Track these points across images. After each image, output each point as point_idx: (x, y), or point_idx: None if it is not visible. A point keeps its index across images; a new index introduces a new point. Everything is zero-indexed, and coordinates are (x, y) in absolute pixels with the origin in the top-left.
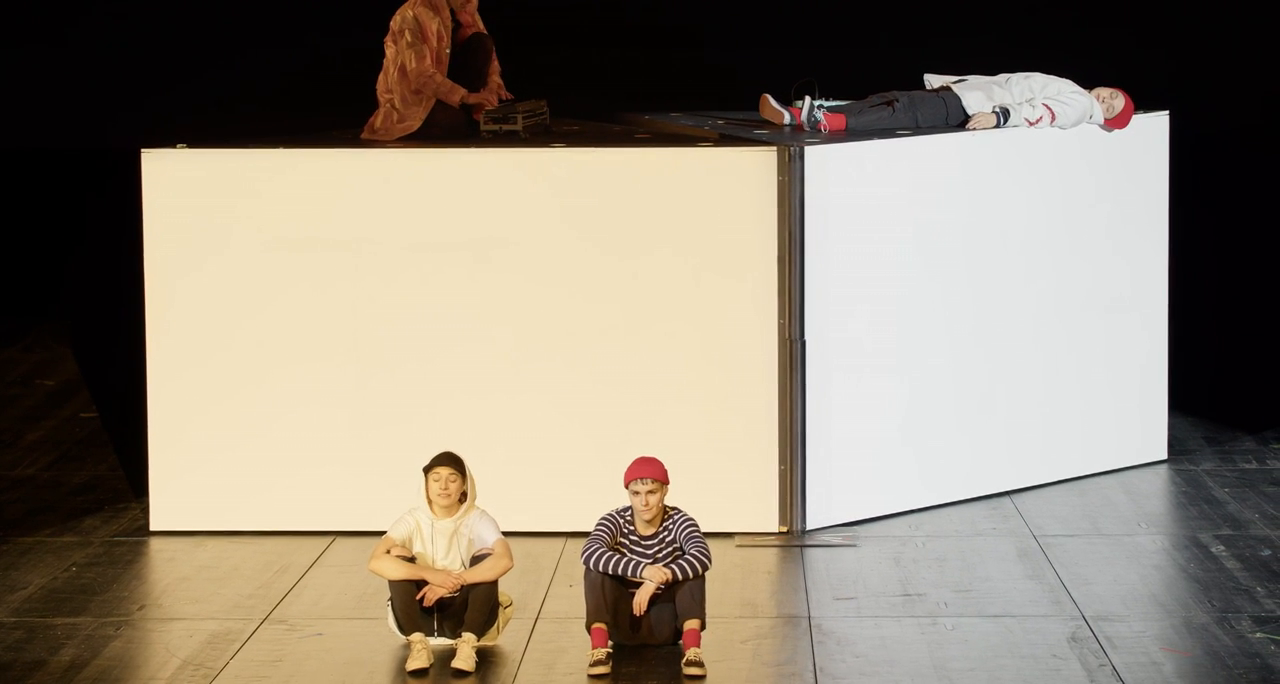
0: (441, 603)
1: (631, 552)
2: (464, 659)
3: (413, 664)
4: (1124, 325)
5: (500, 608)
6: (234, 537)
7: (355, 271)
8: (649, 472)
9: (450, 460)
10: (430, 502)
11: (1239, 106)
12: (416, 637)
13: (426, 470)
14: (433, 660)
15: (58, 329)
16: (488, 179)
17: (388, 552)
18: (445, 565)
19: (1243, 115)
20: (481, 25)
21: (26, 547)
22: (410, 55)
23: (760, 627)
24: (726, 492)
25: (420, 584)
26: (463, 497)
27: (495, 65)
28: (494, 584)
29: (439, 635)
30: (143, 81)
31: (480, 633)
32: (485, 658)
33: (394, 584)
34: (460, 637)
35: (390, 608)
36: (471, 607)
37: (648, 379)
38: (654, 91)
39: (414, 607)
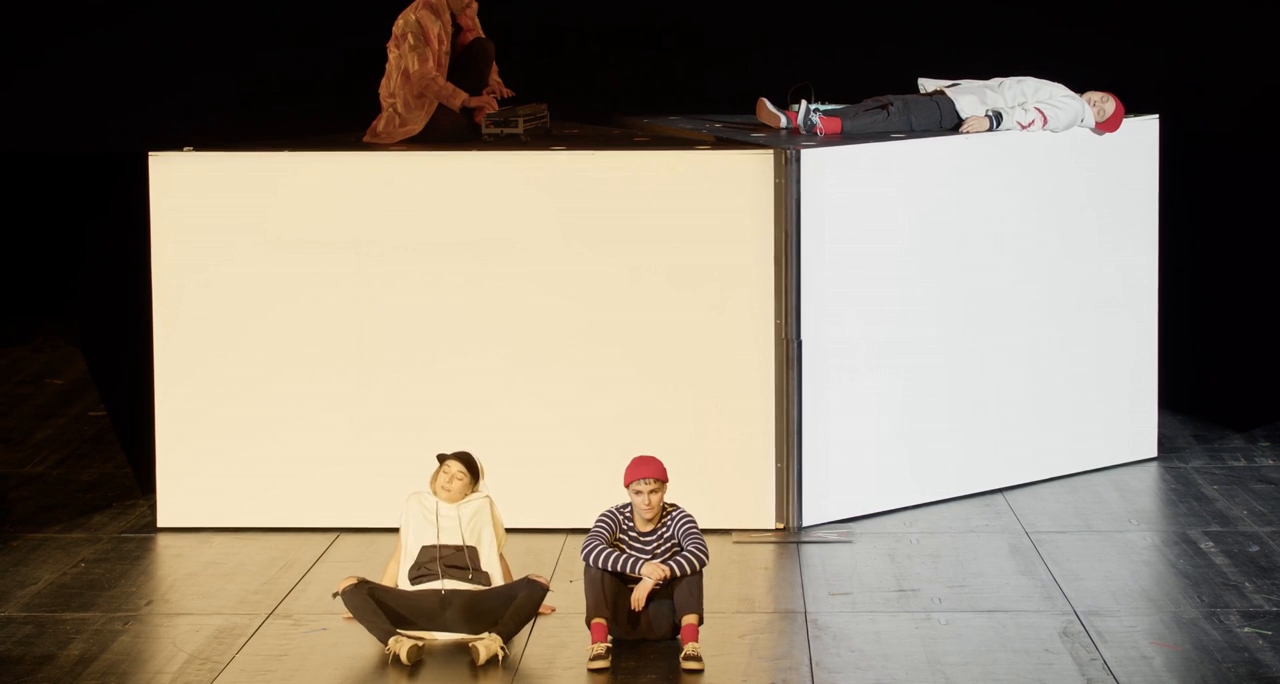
0: (446, 597)
1: (630, 548)
2: (483, 650)
3: (406, 656)
4: (1114, 325)
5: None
6: (240, 533)
7: (358, 273)
8: (650, 471)
9: (464, 459)
10: (435, 490)
11: (1227, 110)
12: (392, 640)
13: (441, 459)
14: (421, 641)
15: (67, 329)
16: (489, 181)
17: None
18: (447, 539)
19: (1231, 119)
20: (480, 29)
21: (36, 543)
22: (413, 58)
23: (757, 622)
24: (724, 489)
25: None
26: (469, 491)
27: (494, 68)
28: (538, 599)
29: (438, 630)
30: (150, 86)
31: (508, 637)
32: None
33: (351, 607)
34: (488, 634)
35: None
36: (512, 615)
37: (646, 378)
38: (652, 95)
39: (379, 618)
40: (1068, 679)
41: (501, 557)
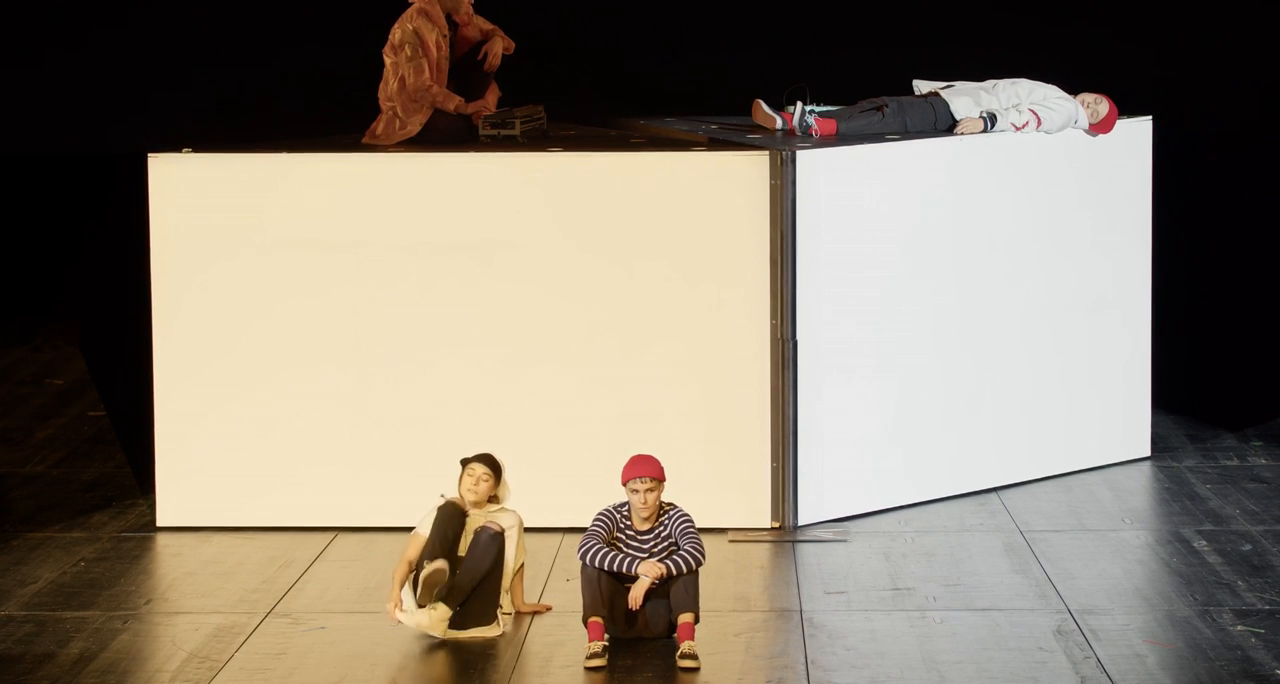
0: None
1: (628, 547)
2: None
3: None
4: (1108, 325)
5: (502, 608)
6: (239, 532)
7: (356, 273)
8: (647, 470)
9: (487, 460)
10: (461, 494)
11: (1221, 112)
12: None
13: (464, 463)
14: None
15: (66, 329)
16: (486, 182)
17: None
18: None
19: (1224, 120)
20: (484, 23)
21: (36, 542)
22: (409, 69)
23: (753, 620)
24: (720, 488)
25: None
26: (493, 499)
27: (503, 39)
28: (493, 581)
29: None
30: (149, 87)
31: (477, 620)
32: (484, 650)
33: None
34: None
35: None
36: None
37: (643, 378)
38: (649, 97)
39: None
40: (1062, 677)
41: (518, 573)
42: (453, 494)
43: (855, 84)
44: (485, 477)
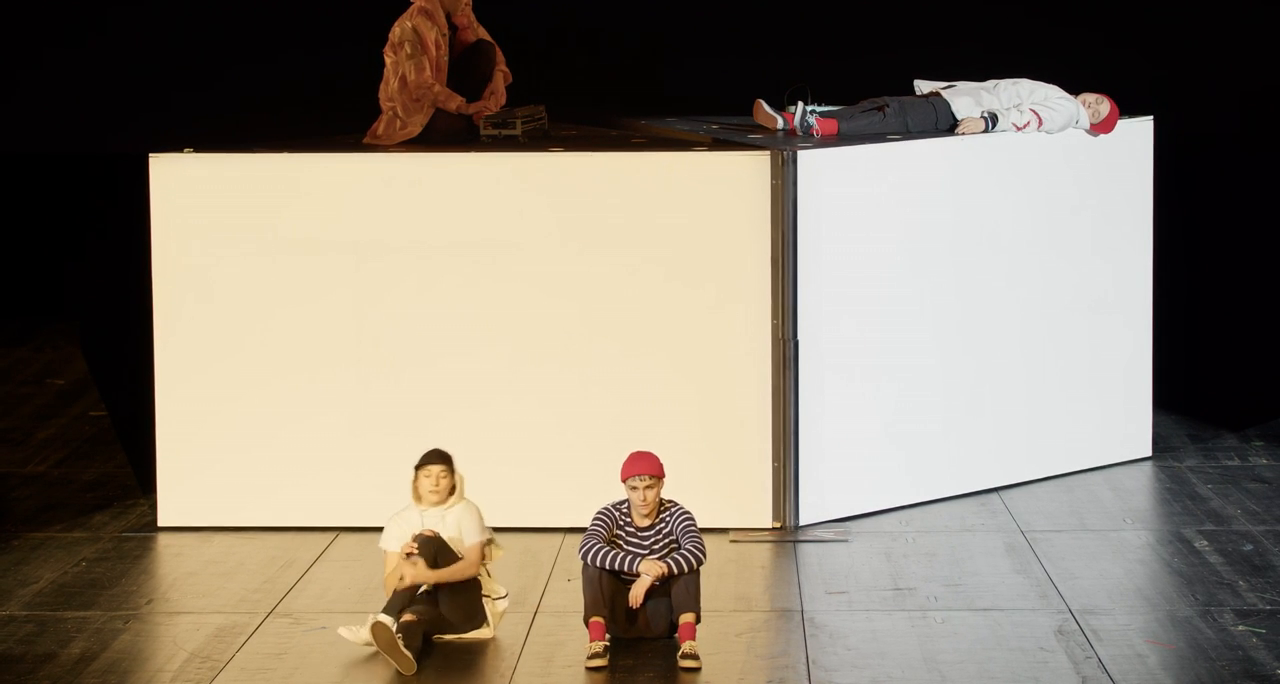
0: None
1: (628, 544)
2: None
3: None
4: (1109, 325)
5: (491, 601)
6: (240, 532)
7: (358, 274)
8: (646, 468)
9: (440, 458)
10: (420, 497)
11: (1222, 112)
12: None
13: (418, 467)
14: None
15: (68, 329)
16: (487, 183)
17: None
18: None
19: (1225, 120)
20: (483, 31)
21: (37, 542)
22: (410, 67)
23: (754, 620)
24: (721, 488)
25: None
26: (451, 489)
27: (502, 71)
28: (469, 584)
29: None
30: (150, 87)
31: (463, 626)
32: (484, 651)
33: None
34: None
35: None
36: (447, 605)
37: (644, 378)
38: (650, 97)
39: (404, 594)
40: (1063, 677)
41: (485, 549)
42: (408, 504)
43: (856, 84)
44: (443, 474)
